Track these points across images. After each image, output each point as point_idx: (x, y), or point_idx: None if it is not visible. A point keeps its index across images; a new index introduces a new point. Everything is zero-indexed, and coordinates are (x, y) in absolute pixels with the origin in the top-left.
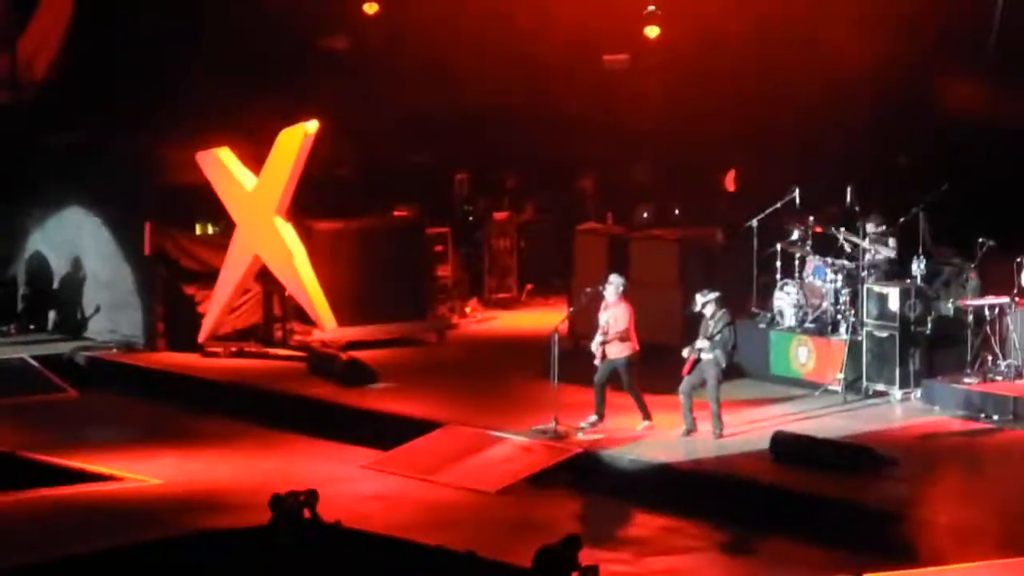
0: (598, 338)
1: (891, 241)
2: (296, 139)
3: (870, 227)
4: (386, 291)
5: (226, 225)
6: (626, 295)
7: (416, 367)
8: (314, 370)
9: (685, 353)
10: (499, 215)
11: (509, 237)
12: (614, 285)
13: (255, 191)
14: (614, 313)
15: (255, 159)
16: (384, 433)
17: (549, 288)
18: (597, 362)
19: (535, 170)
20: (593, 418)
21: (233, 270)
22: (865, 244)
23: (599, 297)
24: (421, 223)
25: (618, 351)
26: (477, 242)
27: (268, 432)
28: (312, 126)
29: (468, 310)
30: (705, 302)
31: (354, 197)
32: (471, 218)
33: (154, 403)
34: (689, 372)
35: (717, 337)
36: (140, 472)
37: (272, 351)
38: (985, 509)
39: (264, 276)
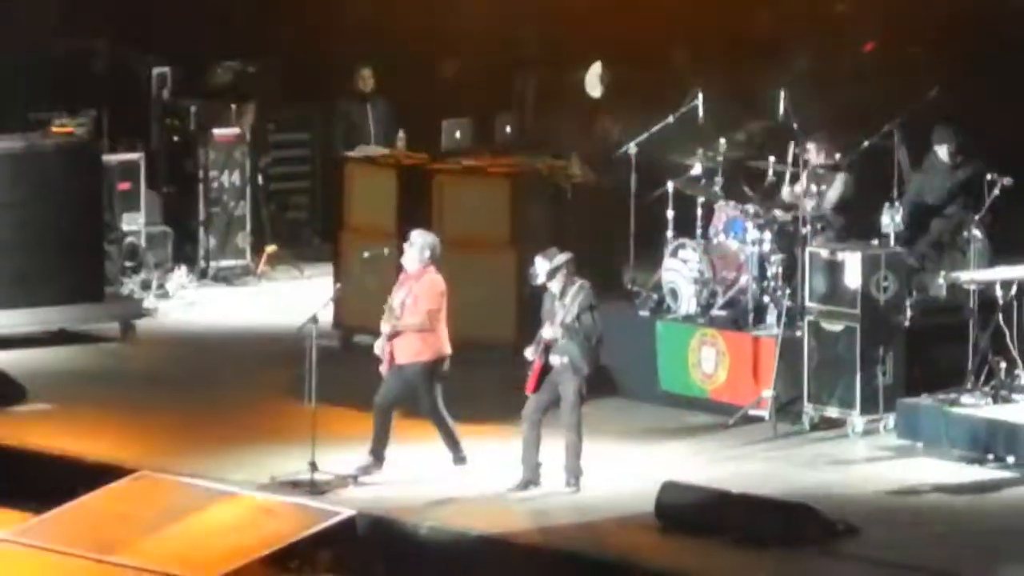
0: (385, 329)
1: (846, 177)
2: None
3: (813, 154)
4: (39, 255)
5: None
6: (436, 263)
7: (88, 377)
8: None
9: (528, 354)
10: (223, 133)
11: (241, 168)
12: (417, 246)
13: None
14: (415, 290)
15: None
16: (35, 485)
17: (304, 251)
18: (383, 368)
19: (282, 59)
20: (367, 459)
21: None
22: (804, 184)
23: (388, 265)
24: (96, 145)
25: (415, 352)
26: (188, 176)
27: None
28: None
29: (171, 286)
30: (552, 270)
31: None
32: (177, 137)
33: None
34: (536, 388)
35: (573, 326)
36: None
37: None
38: None
39: None
